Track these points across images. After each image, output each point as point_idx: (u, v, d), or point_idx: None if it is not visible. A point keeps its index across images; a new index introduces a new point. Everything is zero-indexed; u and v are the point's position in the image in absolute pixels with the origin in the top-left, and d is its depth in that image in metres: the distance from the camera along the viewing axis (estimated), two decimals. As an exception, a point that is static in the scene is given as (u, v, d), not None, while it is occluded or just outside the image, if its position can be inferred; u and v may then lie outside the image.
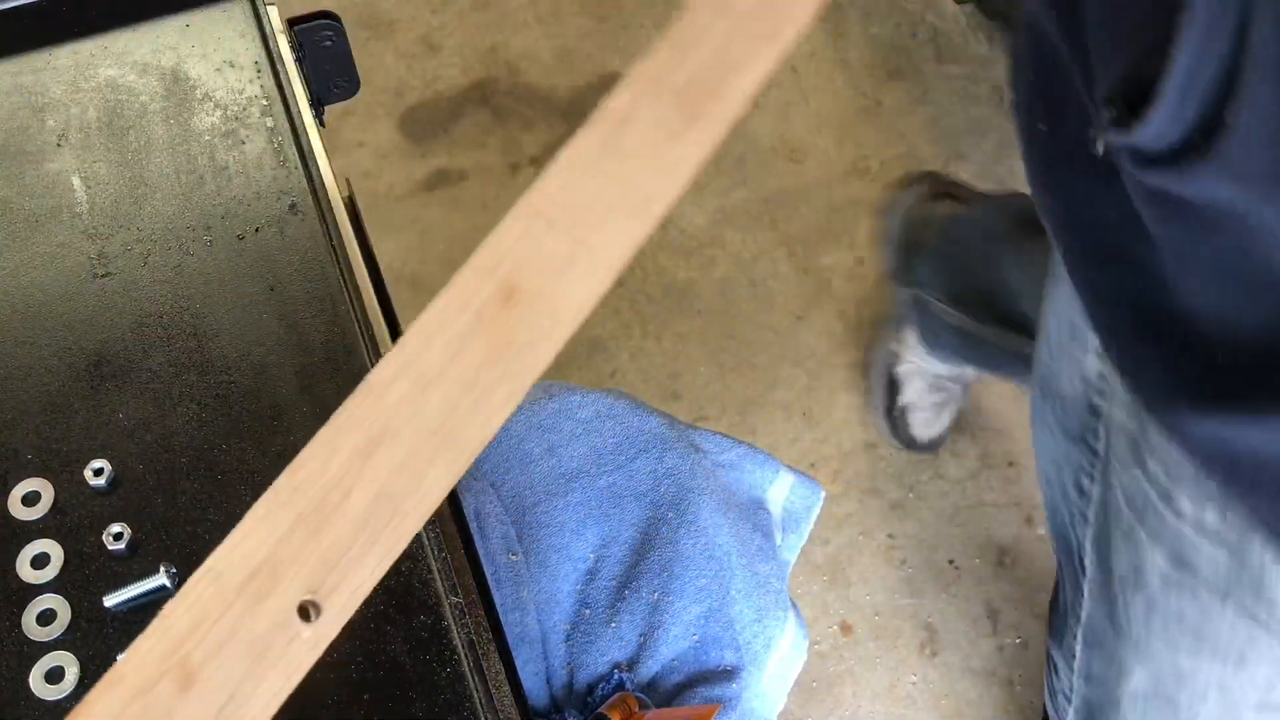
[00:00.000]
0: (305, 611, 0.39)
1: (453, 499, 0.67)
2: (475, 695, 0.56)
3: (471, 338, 0.41)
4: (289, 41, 0.80)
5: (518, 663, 0.91)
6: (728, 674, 0.97)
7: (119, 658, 0.40)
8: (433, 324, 0.41)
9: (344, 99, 0.86)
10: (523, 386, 0.41)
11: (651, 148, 0.42)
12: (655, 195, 0.42)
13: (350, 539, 0.39)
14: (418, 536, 0.59)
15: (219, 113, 0.76)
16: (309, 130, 0.75)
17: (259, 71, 0.78)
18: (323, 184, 0.73)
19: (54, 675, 0.56)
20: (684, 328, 1.69)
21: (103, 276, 0.69)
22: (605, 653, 0.95)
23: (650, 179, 0.42)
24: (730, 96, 0.41)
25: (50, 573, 0.59)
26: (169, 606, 0.39)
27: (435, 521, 0.60)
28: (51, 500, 0.61)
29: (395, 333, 0.71)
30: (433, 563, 0.59)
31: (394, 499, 0.40)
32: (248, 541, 0.39)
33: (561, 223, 0.43)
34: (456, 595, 0.58)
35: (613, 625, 0.96)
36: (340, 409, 0.41)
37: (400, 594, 0.58)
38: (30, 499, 0.61)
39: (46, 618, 0.58)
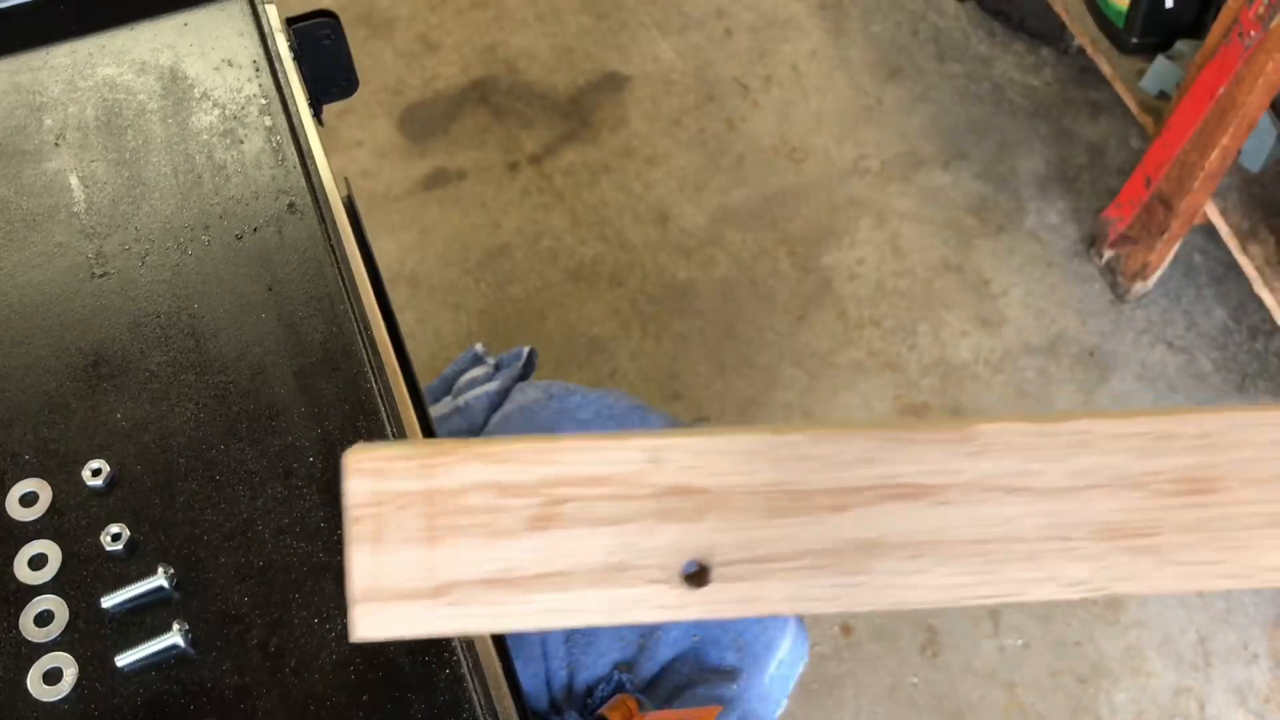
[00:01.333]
0: (695, 572, 0.31)
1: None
2: (474, 697, 0.55)
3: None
4: (287, 40, 0.80)
5: (517, 664, 0.91)
6: (728, 675, 0.97)
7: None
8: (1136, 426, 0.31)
9: (342, 98, 0.85)
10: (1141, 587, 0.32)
11: None
12: None
13: (796, 549, 0.31)
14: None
15: (217, 112, 0.76)
16: (307, 129, 0.75)
17: (257, 70, 0.77)
18: (321, 183, 0.73)
19: (52, 676, 0.56)
20: (684, 328, 1.69)
21: (100, 276, 0.69)
22: (605, 653, 0.95)
23: None
24: None
25: (48, 573, 0.59)
26: (597, 444, 0.31)
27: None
28: (49, 501, 0.61)
29: (394, 333, 0.71)
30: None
31: (877, 562, 0.31)
32: (724, 457, 0.31)
33: None
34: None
35: (612, 625, 0.95)
36: (993, 424, 0.30)
37: (399, 595, 0.58)
38: (28, 499, 0.61)
39: (44, 619, 0.57)
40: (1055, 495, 0.31)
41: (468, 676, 0.56)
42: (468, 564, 0.31)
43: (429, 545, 0.31)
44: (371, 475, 0.31)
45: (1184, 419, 0.31)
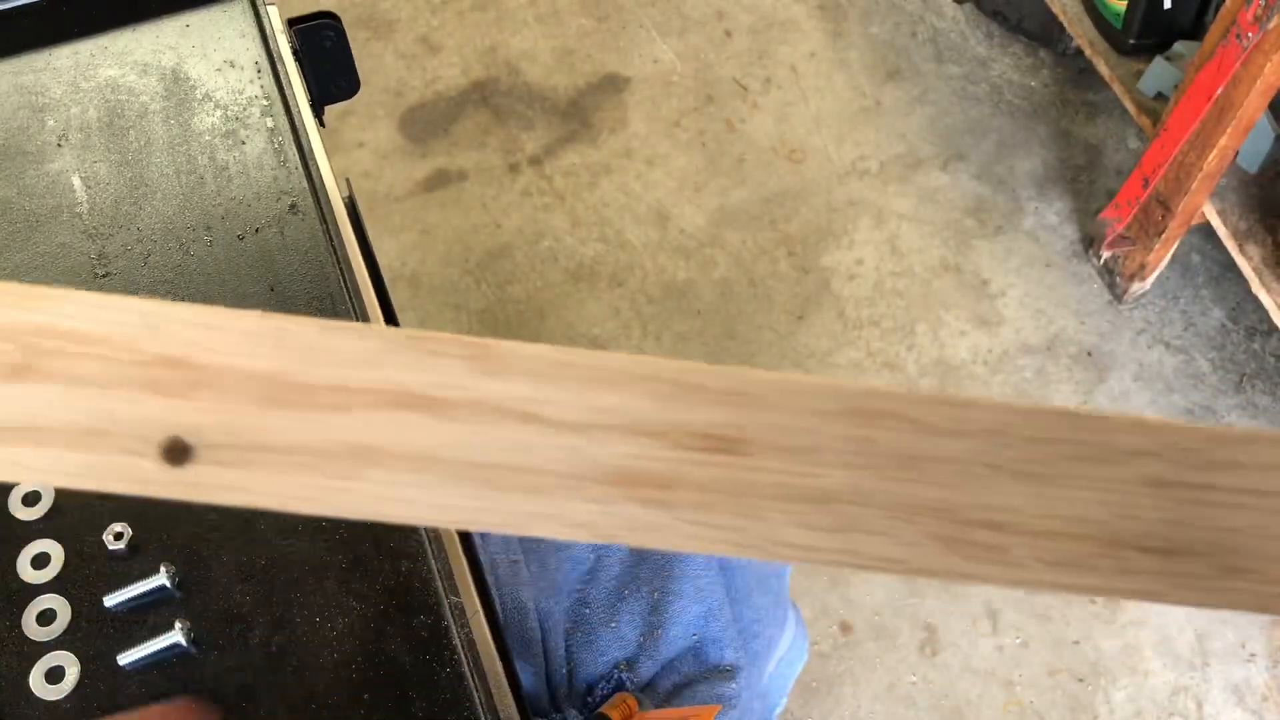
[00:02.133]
0: (175, 449, 0.29)
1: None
2: (475, 695, 0.56)
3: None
4: (289, 42, 0.80)
5: (517, 663, 0.91)
6: (728, 673, 0.97)
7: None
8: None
9: (344, 99, 0.86)
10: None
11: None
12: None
13: (286, 443, 0.29)
14: (417, 536, 0.59)
15: (219, 113, 0.76)
16: (309, 130, 0.75)
17: (259, 72, 0.78)
18: (323, 184, 0.73)
19: (54, 675, 0.56)
20: (684, 328, 1.69)
21: (103, 276, 0.69)
22: (605, 652, 0.95)
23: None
24: None
25: (50, 573, 0.59)
26: (93, 300, 0.29)
27: (435, 521, 0.60)
28: (52, 500, 0.61)
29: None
30: (432, 563, 0.59)
31: (371, 470, 0.29)
32: (226, 334, 0.29)
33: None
34: (456, 595, 0.58)
35: (612, 625, 0.96)
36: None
37: (400, 594, 0.58)
38: (30, 499, 0.61)
39: (46, 618, 0.58)
40: (569, 430, 0.29)
41: (468, 675, 0.56)
42: None
43: None
44: None
45: (719, 374, 0.29)
